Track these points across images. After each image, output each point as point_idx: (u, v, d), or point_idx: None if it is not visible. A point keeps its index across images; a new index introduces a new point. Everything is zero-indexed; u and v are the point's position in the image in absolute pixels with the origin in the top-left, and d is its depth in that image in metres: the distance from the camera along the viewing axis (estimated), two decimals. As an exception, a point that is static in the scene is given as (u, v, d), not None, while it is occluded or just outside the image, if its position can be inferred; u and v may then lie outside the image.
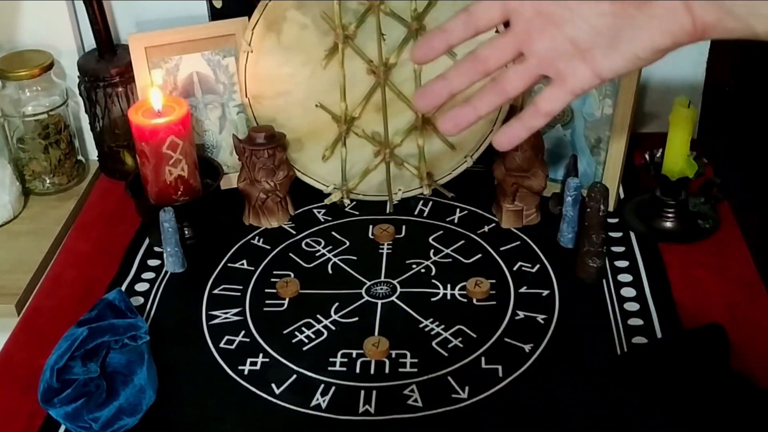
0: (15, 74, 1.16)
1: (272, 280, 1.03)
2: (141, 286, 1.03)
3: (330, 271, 1.04)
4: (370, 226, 1.11)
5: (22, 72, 1.16)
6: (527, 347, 0.91)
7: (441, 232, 1.10)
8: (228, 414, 0.86)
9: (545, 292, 0.99)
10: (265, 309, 0.99)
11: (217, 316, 0.98)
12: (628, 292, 0.98)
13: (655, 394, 0.82)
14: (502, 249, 1.06)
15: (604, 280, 1.00)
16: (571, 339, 0.92)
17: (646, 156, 1.07)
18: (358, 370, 0.90)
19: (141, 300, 1.01)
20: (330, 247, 1.08)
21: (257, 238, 1.11)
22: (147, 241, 1.10)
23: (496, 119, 1.12)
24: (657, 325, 0.93)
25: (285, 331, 0.95)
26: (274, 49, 1.11)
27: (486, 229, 1.10)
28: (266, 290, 1.02)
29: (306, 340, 0.94)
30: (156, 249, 1.08)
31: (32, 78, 1.17)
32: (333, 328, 0.96)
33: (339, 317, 0.97)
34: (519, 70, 0.60)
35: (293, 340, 0.94)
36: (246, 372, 0.91)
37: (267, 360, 0.92)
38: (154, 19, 1.21)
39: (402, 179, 1.16)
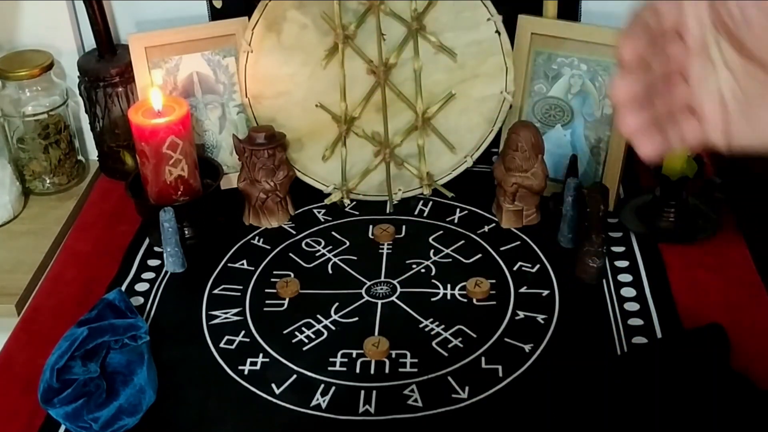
0: (15, 74, 1.16)
1: (272, 280, 1.03)
2: (141, 286, 1.03)
3: (330, 271, 1.04)
4: (370, 226, 1.11)
5: (22, 72, 1.16)
6: (527, 347, 0.91)
7: (441, 232, 1.10)
8: (228, 414, 0.86)
9: (545, 292, 0.99)
10: (265, 309, 0.99)
11: (217, 316, 0.98)
12: (628, 292, 0.98)
13: (655, 394, 0.82)
14: (502, 249, 1.06)
15: (604, 280, 1.00)
16: (571, 339, 0.92)
17: (646, 156, 1.07)
18: (358, 370, 0.90)
19: (141, 300, 1.01)
20: (330, 247, 1.08)
21: (257, 238, 1.11)
22: (147, 241, 1.10)
23: (496, 119, 1.13)
24: (657, 325, 0.93)
25: (285, 331, 0.95)
26: (274, 49, 1.11)
27: (486, 229, 1.10)
28: (266, 290, 1.02)
29: (306, 340, 0.94)
30: (156, 249, 1.08)
31: (32, 78, 1.17)
32: (333, 328, 0.96)
33: (339, 317, 0.97)
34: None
35: (293, 340, 0.94)
36: (246, 372, 0.90)
37: (267, 360, 0.92)
38: (154, 19, 1.21)
39: (402, 179, 1.16)
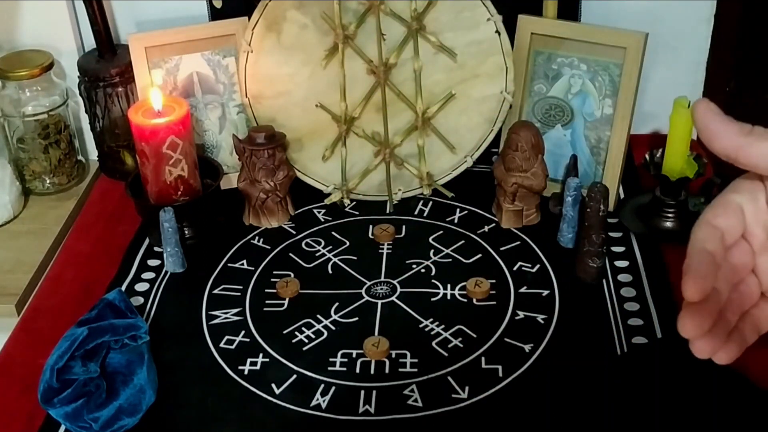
0: (15, 74, 1.16)
1: (272, 280, 1.03)
2: (141, 286, 1.03)
3: (330, 271, 1.04)
4: (370, 226, 1.11)
5: (22, 72, 1.16)
6: (527, 347, 0.91)
7: (441, 232, 1.10)
8: (228, 414, 0.86)
9: (545, 292, 0.99)
10: (265, 309, 0.99)
11: (217, 316, 0.98)
12: (628, 292, 0.98)
13: (655, 394, 0.82)
14: (502, 249, 1.06)
15: (604, 280, 1.00)
16: (571, 339, 0.92)
17: (646, 156, 1.07)
18: (358, 370, 0.90)
19: (141, 300, 1.01)
20: (330, 247, 1.08)
21: (257, 238, 1.11)
22: (147, 241, 1.10)
23: (496, 119, 1.12)
24: (657, 325, 0.93)
25: (285, 331, 0.95)
26: (274, 49, 1.11)
27: (486, 229, 1.10)
28: (266, 290, 1.02)
29: (306, 340, 0.94)
30: (156, 249, 1.08)
31: (32, 78, 1.17)
32: (333, 328, 0.96)
33: (339, 317, 0.97)
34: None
35: (293, 340, 0.94)
36: (246, 372, 0.90)
37: (267, 360, 0.92)
38: (154, 19, 1.21)
39: (402, 179, 1.16)
